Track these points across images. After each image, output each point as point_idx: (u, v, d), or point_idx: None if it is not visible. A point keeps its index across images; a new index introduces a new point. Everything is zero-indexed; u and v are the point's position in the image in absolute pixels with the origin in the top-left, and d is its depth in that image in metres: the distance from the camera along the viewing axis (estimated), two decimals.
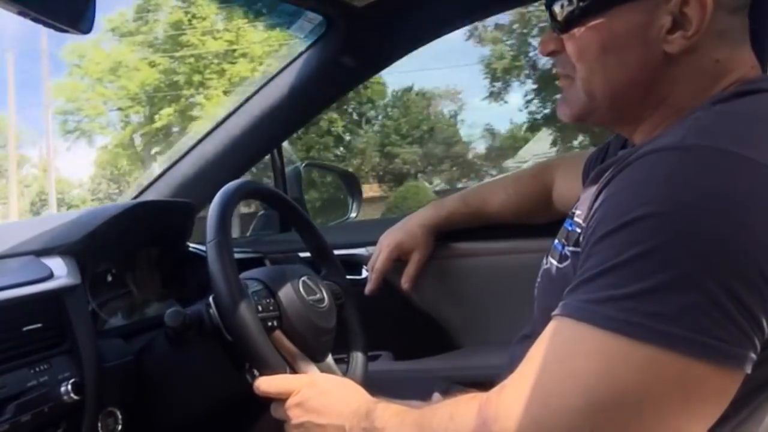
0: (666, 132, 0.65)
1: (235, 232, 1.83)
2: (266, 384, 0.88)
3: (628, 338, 0.54)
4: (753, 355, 0.55)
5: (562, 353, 0.58)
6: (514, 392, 0.60)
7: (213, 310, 0.92)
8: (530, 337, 0.65)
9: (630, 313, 0.55)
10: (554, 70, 0.81)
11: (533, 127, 16.53)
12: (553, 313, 0.62)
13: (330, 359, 1.06)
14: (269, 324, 0.94)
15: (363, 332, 1.16)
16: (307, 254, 1.26)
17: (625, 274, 0.56)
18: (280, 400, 0.88)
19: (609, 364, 0.55)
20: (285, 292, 0.98)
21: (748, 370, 0.55)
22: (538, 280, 0.84)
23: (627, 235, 0.57)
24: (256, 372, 0.91)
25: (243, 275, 0.98)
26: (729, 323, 0.53)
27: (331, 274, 1.18)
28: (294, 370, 0.94)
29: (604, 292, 0.57)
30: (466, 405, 0.65)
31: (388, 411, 0.76)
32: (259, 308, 0.93)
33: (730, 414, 0.59)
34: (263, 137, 1.56)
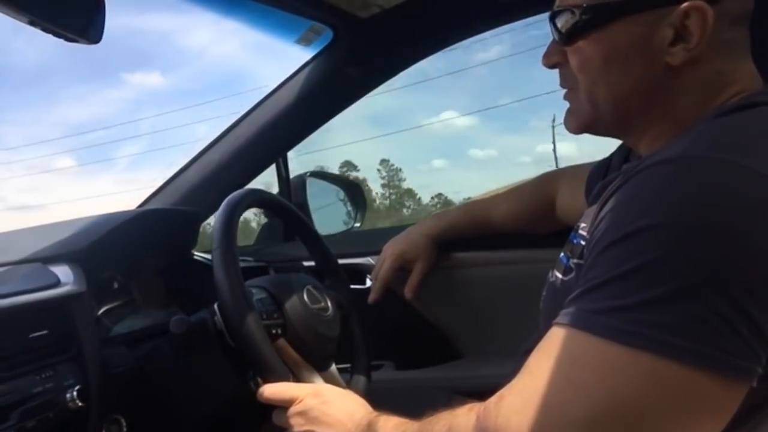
0: (669, 144, 0.65)
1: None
2: (270, 391, 0.89)
3: (629, 348, 0.54)
4: (758, 368, 0.54)
5: (563, 363, 0.58)
6: (514, 402, 0.60)
7: (218, 317, 0.92)
8: None
9: (631, 323, 0.54)
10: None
11: None
12: (554, 321, 0.62)
13: (333, 368, 1.06)
14: (273, 332, 0.94)
15: (366, 351, 1.16)
16: (312, 263, 1.26)
17: (627, 285, 0.56)
18: (283, 407, 0.88)
19: (610, 375, 0.55)
20: (289, 300, 0.99)
21: (753, 383, 0.55)
22: (544, 293, 0.83)
23: (629, 246, 0.57)
24: (259, 379, 0.91)
25: (248, 283, 0.99)
26: (732, 334, 0.53)
27: (335, 284, 1.18)
28: (297, 378, 0.94)
29: (606, 303, 0.57)
30: (465, 416, 0.65)
31: (390, 423, 0.76)
32: (264, 316, 0.93)
33: (732, 428, 0.59)
34: (269, 146, 1.57)
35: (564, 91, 0.80)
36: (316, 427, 0.84)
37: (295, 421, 0.86)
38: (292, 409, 0.87)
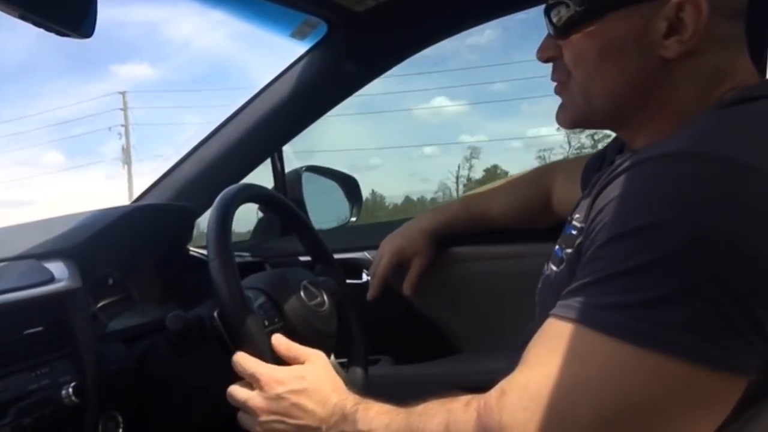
0: (667, 138, 0.64)
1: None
2: (244, 359, 0.85)
3: (637, 347, 0.54)
4: (757, 363, 0.55)
5: (569, 359, 0.58)
6: (519, 398, 0.59)
7: (217, 321, 0.91)
8: None
9: (638, 320, 0.55)
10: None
11: None
12: (552, 311, 0.61)
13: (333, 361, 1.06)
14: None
15: (363, 341, 1.15)
16: (308, 258, 1.26)
17: (634, 282, 0.56)
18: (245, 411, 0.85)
19: (619, 374, 0.55)
20: (287, 300, 0.98)
21: (752, 376, 0.55)
22: (539, 286, 0.83)
23: (635, 242, 0.56)
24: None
25: (245, 282, 0.98)
26: (736, 332, 0.53)
27: (330, 277, 1.18)
28: None
29: (611, 298, 0.57)
30: (463, 411, 0.64)
31: (370, 412, 0.73)
32: (266, 323, 0.93)
33: (731, 419, 0.59)
34: (264, 141, 1.56)
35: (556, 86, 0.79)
36: (287, 418, 0.80)
37: (264, 408, 0.82)
38: (257, 396, 0.83)
